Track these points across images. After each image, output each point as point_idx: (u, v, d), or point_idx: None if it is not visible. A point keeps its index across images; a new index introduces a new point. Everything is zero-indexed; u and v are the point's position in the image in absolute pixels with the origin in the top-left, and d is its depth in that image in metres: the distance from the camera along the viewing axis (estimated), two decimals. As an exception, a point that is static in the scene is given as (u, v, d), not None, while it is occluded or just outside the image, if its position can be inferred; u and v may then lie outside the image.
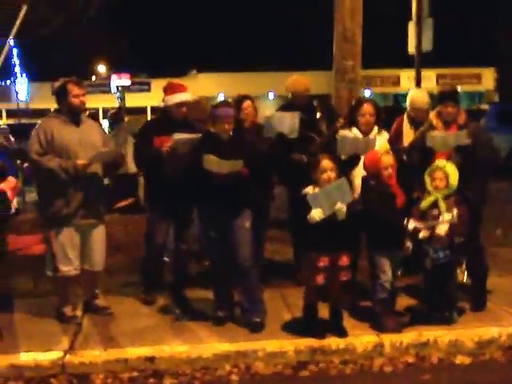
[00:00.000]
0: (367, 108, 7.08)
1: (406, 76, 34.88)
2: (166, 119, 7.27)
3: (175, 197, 7.02)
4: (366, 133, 7.06)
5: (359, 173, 6.76)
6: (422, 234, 6.34)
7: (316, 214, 6.00)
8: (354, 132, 7.06)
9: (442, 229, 6.34)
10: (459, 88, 34.05)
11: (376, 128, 7.10)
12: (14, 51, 23.20)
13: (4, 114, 38.13)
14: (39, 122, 6.92)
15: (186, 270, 7.55)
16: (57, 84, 6.81)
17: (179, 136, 6.79)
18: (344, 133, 7.02)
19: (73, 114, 6.76)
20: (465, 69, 44.20)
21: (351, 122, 7.12)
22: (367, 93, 40.14)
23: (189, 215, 7.33)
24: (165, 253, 7.57)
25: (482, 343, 6.27)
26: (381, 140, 6.95)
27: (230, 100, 7.32)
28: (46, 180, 6.64)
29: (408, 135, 7.68)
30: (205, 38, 47.51)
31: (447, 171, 6.39)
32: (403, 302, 7.05)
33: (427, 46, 11.66)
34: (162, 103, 7.36)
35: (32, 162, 6.71)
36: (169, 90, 7.28)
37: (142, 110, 37.64)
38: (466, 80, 44.35)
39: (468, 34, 43.62)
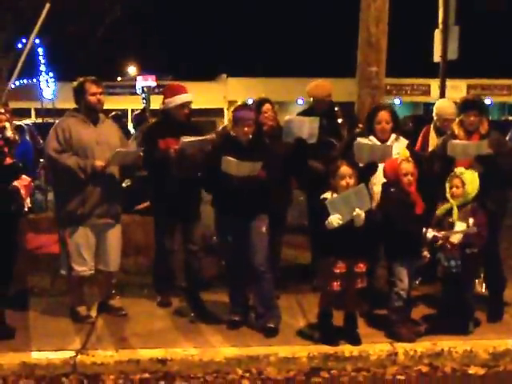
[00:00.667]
0: (383, 115, 6.99)
1: (437, 85, 34.61)
2: (169, 121, 7.24)
3: (180, 199, 7.04)
4: (383, 140, 6.97)
5: (377, 180, 6.71)
6: (441, 234, 6.28)
7: (334, 219, 5.96)
8: (371, 139, 6.99)
9: (454, 238, 6.28)
10: (490, 98, 34.07)
11: (394, 135, 7.01)
12: (40, 50, 23.34)
13: (33, 112, 38.61)
14: (57, 120, 6.96)
15: (199, 271, 7.52)
16: (75, 83, 6.87)
17: (187, 139, 6.81)
18: (361, 140, 6.96)
19: (90, 113, 6.79)
20: (495, 79, 43.81)
21: (368, 129, 7.06)
22: (397, 101, 39.98)
23: (195, 216, 7.33)
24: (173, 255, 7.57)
25: (496, 355, 6.20)
26: (399, 147, 6.87)
27: (251, 103, 7.28)
28: (63, 179, 6.68)
29: (433, 144, 7.65)
30: (235, 42, 47.69)
31: (465, 179, 6.33)
32: (419, 310, 7.01)
33: (452, 54, 11.58)
34: (161, 105, 7.33)
35: (49, 160, 6.73)
36: (169, 92, 7.27)
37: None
38: (496, 91, 43.98)
39: (499, 45, 43.41)
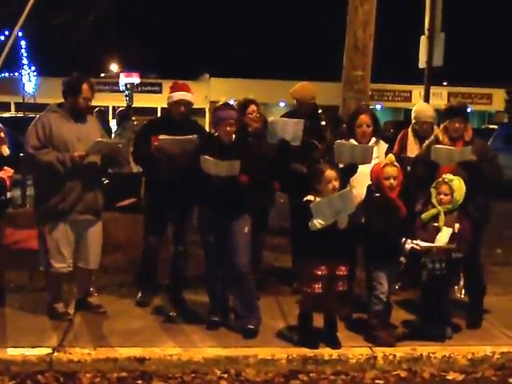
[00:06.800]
0: (364, 118, 6.96)
1: (418, 92, 34.85)
2: (166, 118, 7.26)
3: (170, 197, 7.00)
4: (363, 143, 6.94)
5: (357, 182, 6.69)
6: (419, 246, 6.27)
7: (317, 222, 5.94)
8: (352, 142, 6.94)
9: (441, 241, 6.28)
10: (470, 107, 34.58)
11: (374, 138, 6.99)
12: (22, 43, 23.08)
13: (13, 106, 38.29)
14: (38, 115, 6.86)
15: (183, 271, 7.47)
16: (72, 78, 6.76)
17: (164, 137, 6.77)
18: (342, 141, 6.91)
19: (74, 112, 6.71)
20: (476, 88, 44.19)
21: (349, 132, 7.03)
22: (378, 107, 40.17)
23: (185, 216, 7.28)
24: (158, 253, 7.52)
25: (474, 361, 6.23)
26: (378, 150, 6.88)
27: (233, 103, 7.24)
28: (43, 174, 6.60)
29: (412, 148, 7.70)
30: (219, 42, 47.71)
31: (453, 186, 6.35)
32: (399, 316, 7.00)
33: (438, 61, 11.58)
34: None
35: (29, 156, 6.62)
36: (172, 88, 7.30)
37: (153, 111, 37.61)
38: (476, 99, 44.35)
39: (481, 54, 43.91)
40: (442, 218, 6.35)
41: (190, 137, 6.81)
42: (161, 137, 6.77)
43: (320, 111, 7.82)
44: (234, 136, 6.56)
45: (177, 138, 6.78)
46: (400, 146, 7.79)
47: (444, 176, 6.42)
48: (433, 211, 6.41)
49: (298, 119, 7.23)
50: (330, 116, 8.04)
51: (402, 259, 6.40)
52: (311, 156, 7.23)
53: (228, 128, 6.47)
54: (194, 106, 7.37)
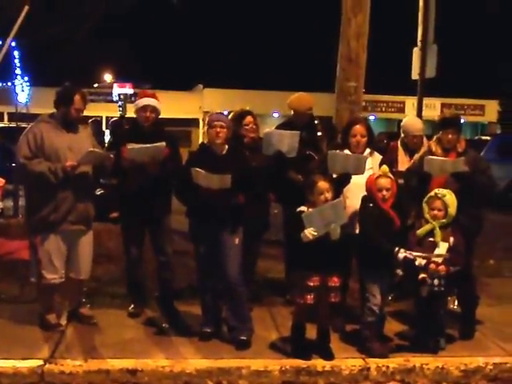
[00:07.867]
0: (359, 129, 6.95)
1: (412, 103, 34.92)
2: (135, 128, 7.25)
3: (142, 207, 7.00)
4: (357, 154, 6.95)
5: (350, 193, 6.69)
6: (418, 262, 6.25)
7: (309, 232, 5.94)
8: (346, 153, 6.94)
9: (439, 258, 6.27)
10: (463, 118, 34.68)
11: (368, 149, 6.99)
12: (16, 53, 23.07)
13: (6, 116, 38.23)
14: (29, 125, 6.83)
15: (170, 282, 7.41)
16: (64, 88, 6.75)
17: (132, 146, 6.75)
18: (335, 151, 6.90)
19: (66, 123, 6.70)
20: (469, 99, 44.33)
21: (343, 143, 7.02)
22: (371, 117, 40.24)
23: (159, 227, 7.26)
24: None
25: (467, 372, 6.22)
26: (372, 162, 6.88)
27: (228, 113, 7.25)
28: (35, 185, 6.56)
29: (403, 161, 7.73)
30: (212, 53, 47.78)
31: (446, 201, 6.33)
32: (392, 327, 6.99)
33: (431, 72, 11.61)
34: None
35: (20, 166, 6.58)
36: (139, 96, 7.32)
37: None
38: (469, 111, 44.49)
39: (473, 66, 44.09)
40: (438, 233, 6.33)
41: (158, 144, 6.78)
42: (128, 146, 6.76)
43: (316, 122, 7.80)
44: (226, 147, 6.55)
45: (144, 146, 6.76)
46: (390, 160, 7.78)
47: (436, 191, 6.40)
48: (428, 227, 6.39)
49: (294, 131, 7.19)
50: (326, 127, 8.03)
51: (399, 271, 6.38)
52: (307, 167, 7.20)
53: (218, 130, 6.45)
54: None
